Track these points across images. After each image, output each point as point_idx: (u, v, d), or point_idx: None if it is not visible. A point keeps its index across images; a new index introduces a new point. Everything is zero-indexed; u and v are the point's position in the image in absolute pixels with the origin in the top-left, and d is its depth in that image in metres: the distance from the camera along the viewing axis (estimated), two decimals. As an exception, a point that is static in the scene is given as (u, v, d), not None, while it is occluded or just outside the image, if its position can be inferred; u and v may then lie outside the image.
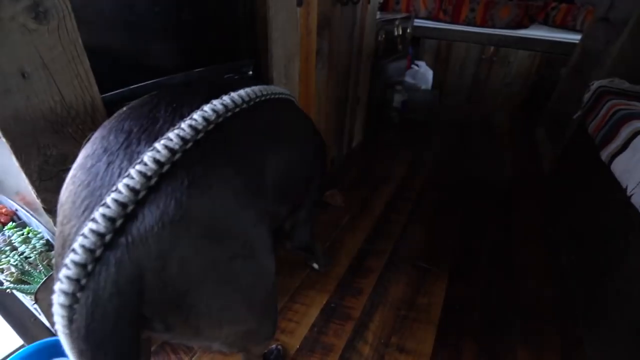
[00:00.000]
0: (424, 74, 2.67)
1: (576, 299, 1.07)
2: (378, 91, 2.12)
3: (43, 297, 0.63)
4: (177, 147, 0.35)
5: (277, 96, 0.56)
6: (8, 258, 0.64)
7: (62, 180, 0.53)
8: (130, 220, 0.32)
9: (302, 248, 1.02)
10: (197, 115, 0.38)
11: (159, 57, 0.70)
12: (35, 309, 0.66)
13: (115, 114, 0.41)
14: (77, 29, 0.49)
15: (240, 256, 0.40)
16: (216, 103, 0.41)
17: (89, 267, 0.31)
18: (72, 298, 0.30)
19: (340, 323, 0.96)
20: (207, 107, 0.40)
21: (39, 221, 0.71)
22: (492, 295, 1.08)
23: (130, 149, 0.35)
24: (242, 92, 0.46)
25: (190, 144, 0.36)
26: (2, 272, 0.66)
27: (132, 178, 0.32)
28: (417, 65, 2.73)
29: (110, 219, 0.31)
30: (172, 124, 0.37)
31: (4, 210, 0.73)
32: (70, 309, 0.31)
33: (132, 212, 0.32)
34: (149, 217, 0.32)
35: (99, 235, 0.31)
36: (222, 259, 0.38)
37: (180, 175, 0.35)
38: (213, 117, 0.39)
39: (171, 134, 0.36)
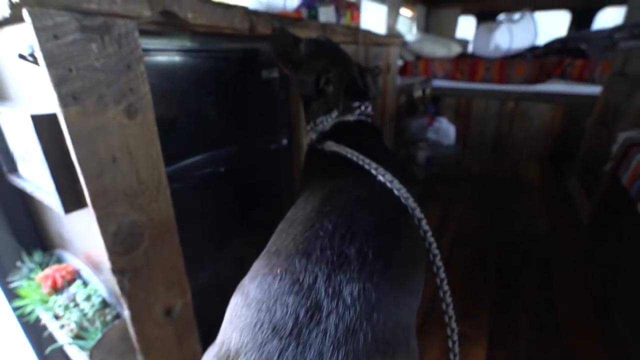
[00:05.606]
0: (445, 130, 2.77)
1: (638, 369, 0.97)
2: (402, 149, 2.21)
3: (97, 353, 0.67)
4: None
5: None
6: (70, 315, 0.71)
7: (130, 244, 0.61)
8: None
9: None
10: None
11: (211, 135, 0.82)
12: (88, 365, 0.70)
13: (260, 279, 0.39)
14: (154, 119, 0.60)
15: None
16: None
17: None
18: None
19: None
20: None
21: (99, 279, 0.78)
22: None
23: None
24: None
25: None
26: (62, 328, 0.72)
27: None
28: (438, 121, 2.84)
29: None
30: (337, 310, 0.34)
31: (69, 268, 0.82)
32: None
33: None
34: None
35: None
36: None
37: None
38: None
39: None
